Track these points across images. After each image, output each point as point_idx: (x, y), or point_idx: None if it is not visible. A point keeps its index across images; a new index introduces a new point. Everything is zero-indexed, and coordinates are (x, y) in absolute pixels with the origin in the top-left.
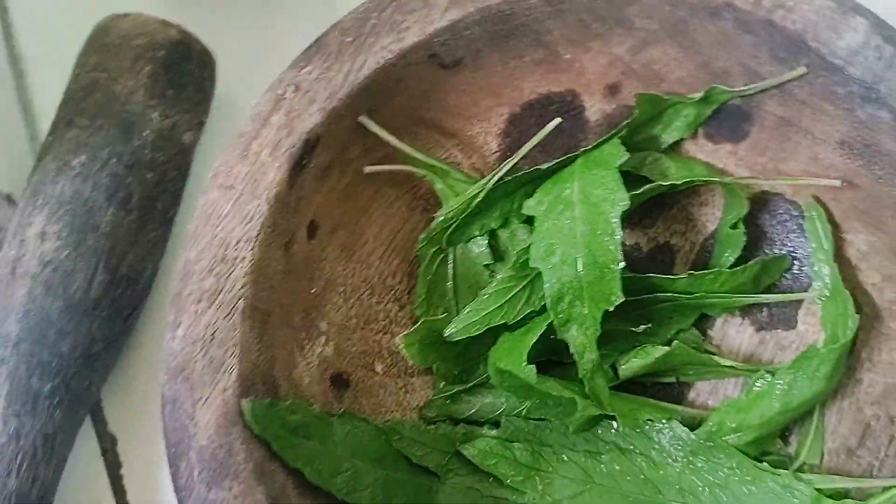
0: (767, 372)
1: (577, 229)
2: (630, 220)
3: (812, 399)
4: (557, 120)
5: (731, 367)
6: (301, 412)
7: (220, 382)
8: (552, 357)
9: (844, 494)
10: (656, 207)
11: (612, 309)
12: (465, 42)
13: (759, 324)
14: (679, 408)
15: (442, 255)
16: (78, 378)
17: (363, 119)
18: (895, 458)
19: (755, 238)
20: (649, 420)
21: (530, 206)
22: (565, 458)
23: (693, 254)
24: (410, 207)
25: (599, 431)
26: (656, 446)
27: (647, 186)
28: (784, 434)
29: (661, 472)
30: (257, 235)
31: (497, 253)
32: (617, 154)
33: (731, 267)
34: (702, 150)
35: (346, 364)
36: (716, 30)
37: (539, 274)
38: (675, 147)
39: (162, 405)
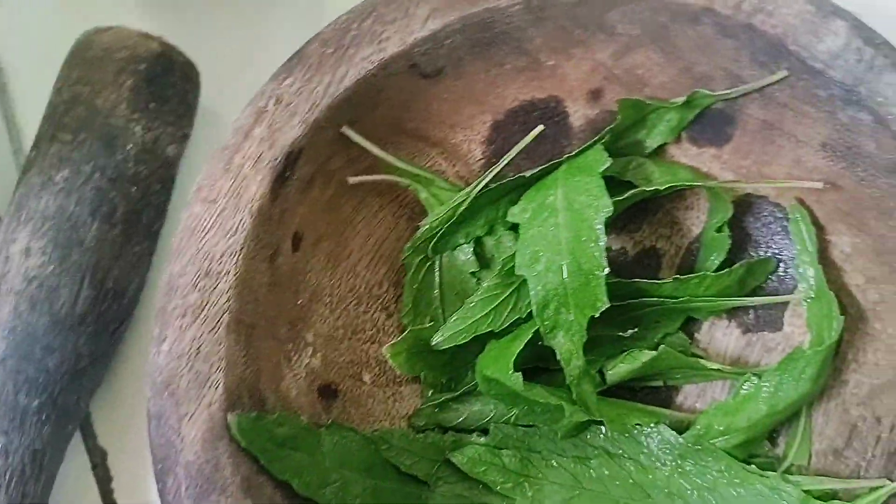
0: (754, 374)
1: (562, 236)
2: (616, 224)
3: (798, 401)
4: (540, 127)
5: (718, 370)
6: (288, 424)
7: (206, 397)
8: (539, 363)
9: (832, 496)
10: (642, 212)
11: (597, 315)
12: (445, 51)
13: (745, 326)
14: (667, 412)
15: (428, 264)
16: (65, 393)
17: (346, 130)
18: (882, 459)
19: (740, 241)
20: (637, 424)
21: (515, 214)
22: (554, 463)
23: (679, 257)
24: (396, 216)
25: (588, 437)
26: (645, 450)
27: (631, 192)
28: (772, 436)
29: (650, 476)
30: (241, 249)
31: (483, 260)
32: (600, 160)
33: (716, 270)
34: (686, 154)
35: (333, 374)
36: (696, 35)
37: (525, 281)
38: (658, 151)
39: (148, 421)
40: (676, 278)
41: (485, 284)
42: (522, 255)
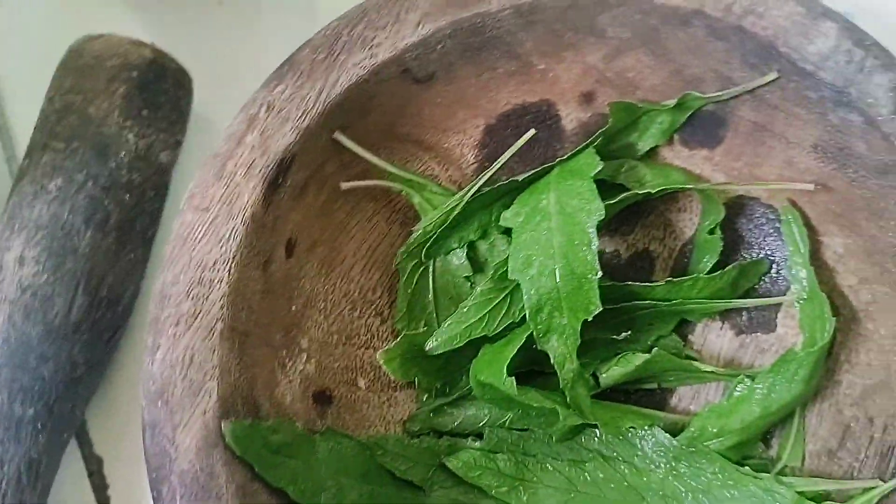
0: (747, 376)
1: (555, 240)
2: (609, 226)
3: (791, 402)
4: (532, 132)
5: (712, 372)
6: (283, 431)
7: (200, 405)
8: (534, 367)
9: (826, 497)
10: (635, 214)
11: (590, 319)
12: (437, 56)
13: (738, 328)
14: (661, 414)
15: (422, 268)
16: (61, 402)
17: (338, 136)
18: (875, 459)
19: (733, 242)
20: (631, 427)
21: (508, 218)
22: (549, 467)
23: (672, 259)
24: (389, 221)
25: (583, 440)
26: (639, 453)
27: (623, 196)
28: (766, 437)
29: (645, 478)
30: (234, 257)
31: (477, 264)
32: (592, 164)
33: (709, 272)
34: (678, 156)
35: (328, 380)
36: (687, 37)
37: (518, 285)
38: (651, 154)
39: (142, 430)
40: (669, 281)
41: (478, 289)
42: (515, 259)
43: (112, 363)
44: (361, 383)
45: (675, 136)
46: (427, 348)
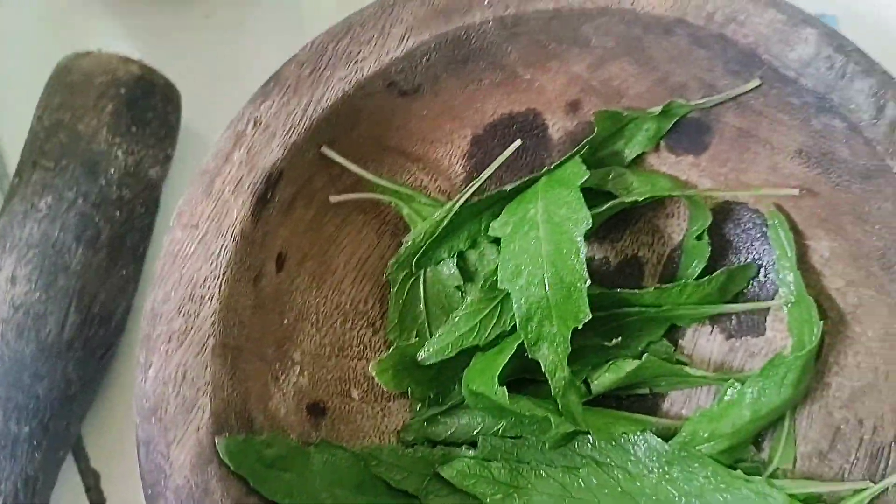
0: (737, 381)
1: (543, 249)
2: (597, 233)
3: (781, 406)
4: (518, 142)
5: (702, 376)
6: (277, 445)
7: (194, 421)
8: (526, 375)
9: (817, 499)
10: (623, 220)
11: (580, 326)
12: (422, 69)
13: (728, 332)
14: (653, 419)
15: (412, 279)
16: (56, 419)
17: (326, 150)
18: (865, 461)
19: (721, 247)
20: (624, 433)
21: (496, 228)
22: (543, 474)
23: (661, 265)
24: (379, 232)
25: (576, 446)
26: (632, 458)
27: (610, 204)
28: (757, 440)
29: (638, 483)
30: (224, 273)
31: (467, 274)
32: (578, 173)
33: (698, 277)
34: (664, 162)
35: (321, 392)
36: (670, 45)
37: (508, 295)
38: (637, 161)
39: (137, 447)
40: (658, 287)
41: (468, 299)
42: (505, 268)
43: (106, 378)
44: (355, 394)
45: (662, 143)
46: (419, 358)
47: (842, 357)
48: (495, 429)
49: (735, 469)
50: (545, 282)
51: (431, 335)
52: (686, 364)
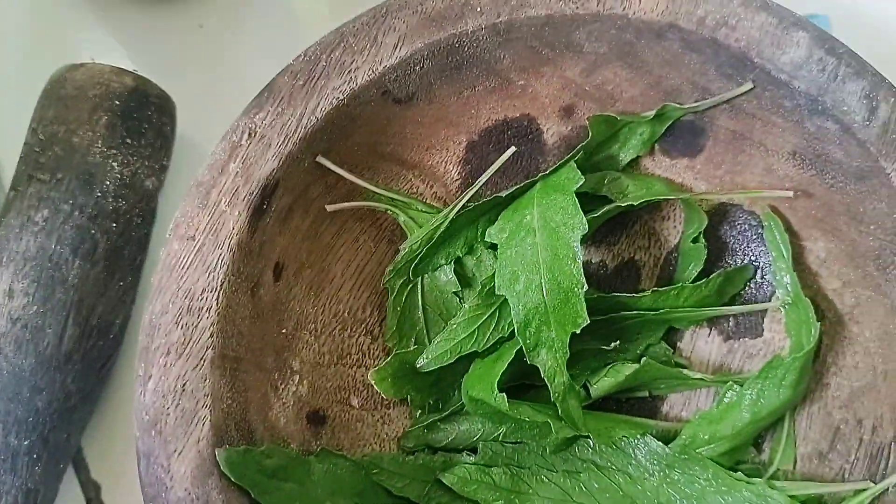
0: (736, 383)
1: (540, 255)
2: (594, 237)
3: (781, 407)
4: (512, 149)
5: (701, 378)
6: (277, 455)
7: (194, 433)
8: (525, 380)
9: (818, 500)
10: (620, 224)
11: (578, 331)
12: (416, 77)
13: (726, 333)
14: (653, 422)
15: (410, 286)
16: (55, 432)
17: (321, 159)
18: (865, 461)
19: (717, 249)
20: (624, 436)
21: (493, 234)
22: (544, 478)
23: (658, 268)
24: (376, 240)
25: (577, 450)
26: (633, 462)
27: (605, 208)
28: (757, 441)
29: (639, 486)
30: (221, 284)
31: (464, 279)
32: (573, 178)
33: (695, 279)
34: (659, 165)
35: (321, 400)
36: (662, 50)
37: (506, 301)
38: (632, 165)
39: (137, 460)
40: (655, 290)
41: (466, 305)
42: (502, 275)
43: (106, 390)
44: (355, 402)
45: (656, 147)
46: (418, 365)
47: (840, 357)
48: (495, 434)
49: (736, 471)
50: (543, 287)
51: (430, 342)
52: (685, 366)
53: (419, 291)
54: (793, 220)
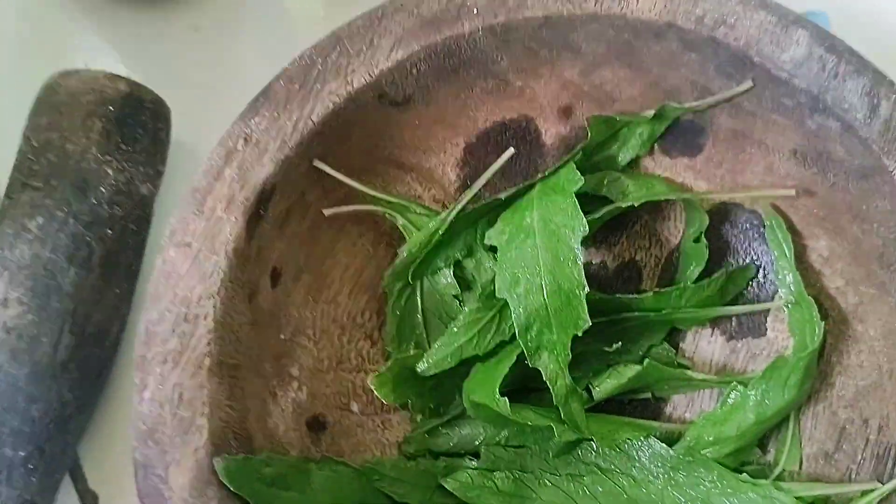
0: (740, 383)
1: (540, 257)
2: (595, 238)
3: (785, 408)
4: (511, 150)
5: (704, 379)
6: (276, 463)
7: (192, 443)
8: (527, 384)
9: (825, 501)
10: (620, 224)
11: (580, 333)
12: (413, 79)
13: (729, 333)
14: (656, 424)
15: (409, 290)
16: (52, 443)
17: (318, 163)
18: (871, 461)
19: (719, 249)
20: (628, 439)
21: (492, 236)
22: (547, 482)
23: (659, 268)
24: (374, 244)
25: (580, 454)
26: (637, 464)
27: (606, 209)
28: (762, 442)
29: (644, 489)
30: (218, 291)
31: (464, 282)
32: (573, 180)
33: (696, 279)
34: (660, 165)
35: (321, 406)
36: (661, 49)
37: (506, 303)
38: (632, 165)
39: (135, 470)
40: (657, 291)
41: (467, 309)
42: (502, 277)
43: (103, 398)
44: (355, 407)
45: (656, 146)
46: (419, 370)
47: (845, 356)
48: (498, 439)
49: (741, 473)
50: (543, 289)
51: (430, 346)
52: (688, 367)
53: (418, 295)
54: (795, 218)
